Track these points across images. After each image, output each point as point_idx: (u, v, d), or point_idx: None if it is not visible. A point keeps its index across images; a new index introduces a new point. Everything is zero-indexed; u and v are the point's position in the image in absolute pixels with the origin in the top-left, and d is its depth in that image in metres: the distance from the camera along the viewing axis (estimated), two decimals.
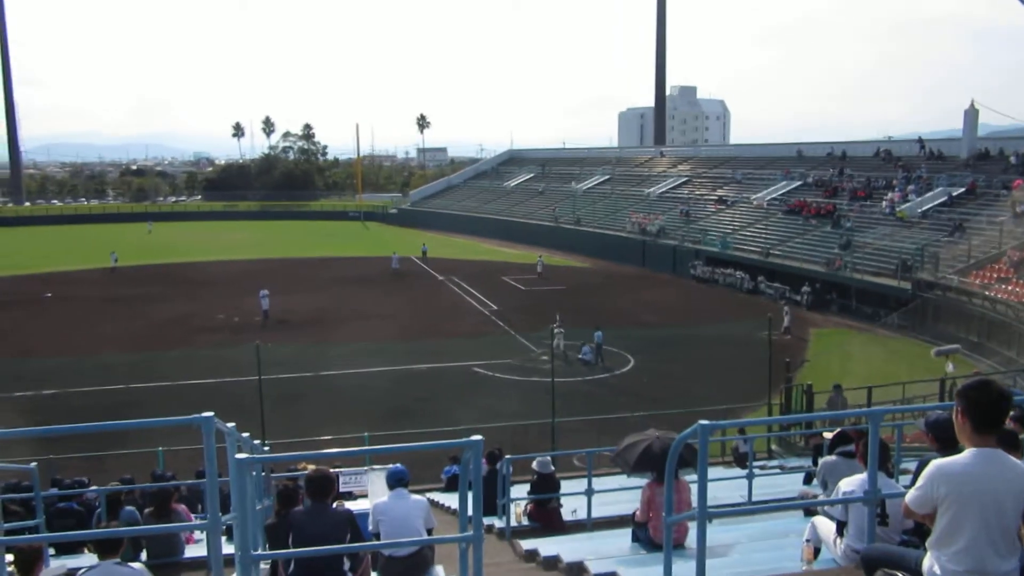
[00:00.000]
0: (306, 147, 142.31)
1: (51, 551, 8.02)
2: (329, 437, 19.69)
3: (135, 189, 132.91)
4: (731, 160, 68.96)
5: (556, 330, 29.05)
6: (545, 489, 10.77)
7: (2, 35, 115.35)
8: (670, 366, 29.43)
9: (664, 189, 67.34)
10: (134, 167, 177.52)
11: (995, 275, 32.93)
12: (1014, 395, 4.01)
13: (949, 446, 4.17)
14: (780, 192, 55.87)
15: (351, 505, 9.34)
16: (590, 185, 76.87)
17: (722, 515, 7.84)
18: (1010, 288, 31.27)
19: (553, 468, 11.00)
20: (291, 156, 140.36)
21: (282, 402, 23.75)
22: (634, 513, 7.81)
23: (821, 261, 42.10)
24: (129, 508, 8.96)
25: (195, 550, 8.60)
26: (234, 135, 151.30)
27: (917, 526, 4.76)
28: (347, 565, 5.64)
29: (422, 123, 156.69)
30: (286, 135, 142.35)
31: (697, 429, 4.49)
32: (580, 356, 29.38)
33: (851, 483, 5.12)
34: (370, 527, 6.38)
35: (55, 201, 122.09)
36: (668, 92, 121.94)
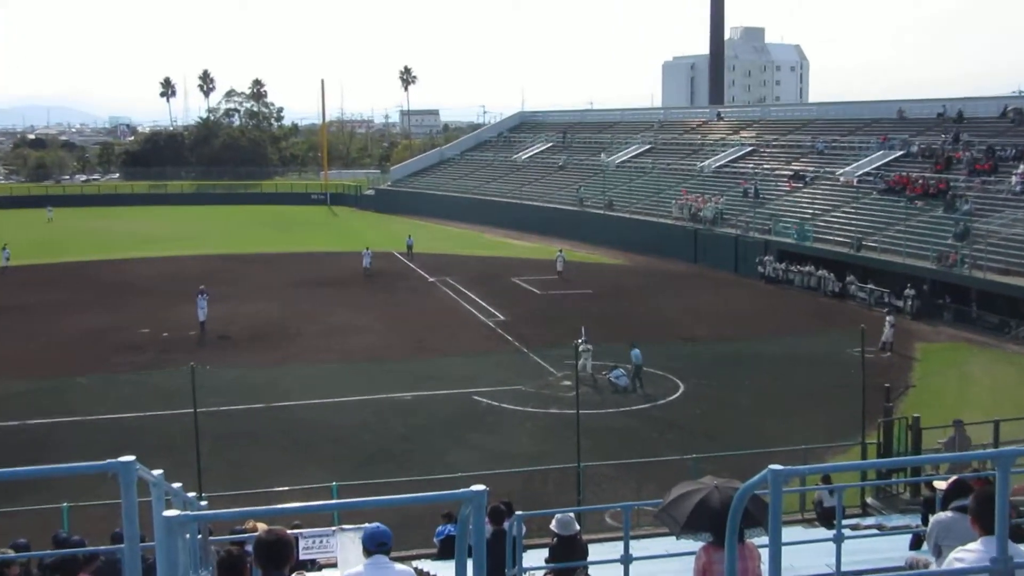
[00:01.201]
0: (256, 110, 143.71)
1: None
2: (285, 488, 19.93)
3: (33, 165, 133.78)
4: (810, 123, 69.16)
5: (582, 347, 29.16)
6: (568, 556, 10.75)
7: None
8: (731, 393, 29.47)
9: (723, 162, 67.63)
10: (32, 136, 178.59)
11: None
12: None
13: None
14: (875, 165, 55.81)
15: None
16: (626, 157, 77.25)
17: None
18: None
19: (578, 528, 11.04)
20: (237, 122, 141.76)
21: (225, 442, 23.95)
22: None
23: (930, 255, 41.92)
24: None
25: None
26: (162, 95, 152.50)
27: None
28: None
29: (407, 78, 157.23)
30: (230, 95, 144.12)
31: (767, 476, 4.50)
32: (611, 379, 29.61)
33: (972, 549, 5.06)
34: None
35: None
36: (727, 36, 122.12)
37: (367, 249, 54.40)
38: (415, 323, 40.33)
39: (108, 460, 4.13)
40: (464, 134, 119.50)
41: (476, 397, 28.81)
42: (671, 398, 28.98)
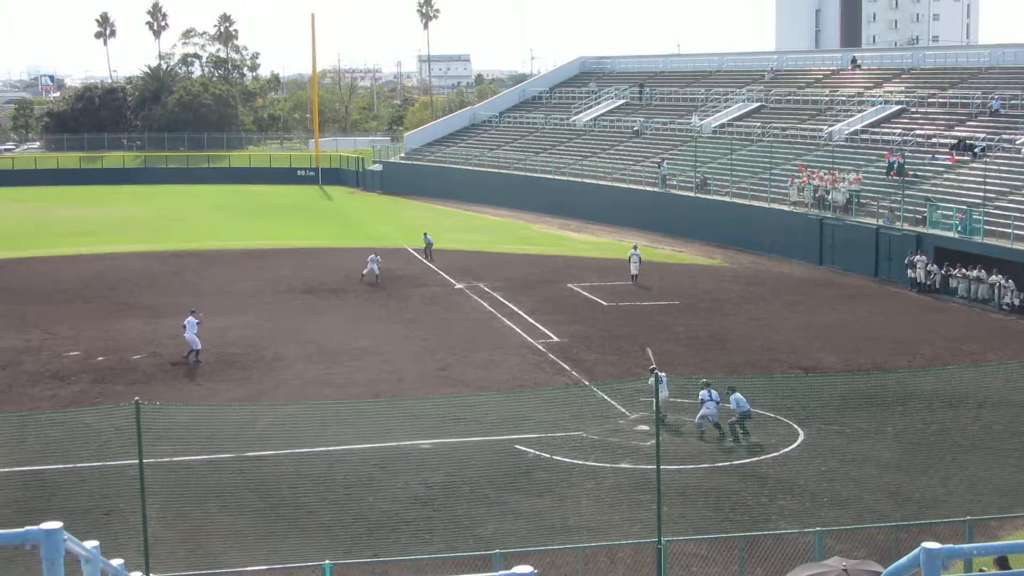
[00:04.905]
0: (224, 56, 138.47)
1: None
2: (262, 567, 19.56)
3: None
4: (980, 73, 65.09)
5: (651, 377, 27.54)
6: None
7: None
8: (869, 444, 27.89)
9: (859, 126, 63.92)
10: None
11: None
12: None
13: None
14: None
15: None
16: (725, 120, 73.65)
17: None
18: None
19: None
20: (197, 72, 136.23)
21: (180, 504, 23.34)
22: None
23: None
24: None
25: None
26: (98, 35, 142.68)
27: None
28: None
29: (427, 12, 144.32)
30: (189, 35, 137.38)
31: (919, 558, 4.17)
32: (700, 415, 27.80)
33: None
34: None
35: None
36: None
37: (375, 255, 49.98)
38: (436, 345, 38.64)
39: (26, 527, 3.82)
40: (504, 88, 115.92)
41: (519, 447, 27.55)
42: (786, 450, 27.52)
